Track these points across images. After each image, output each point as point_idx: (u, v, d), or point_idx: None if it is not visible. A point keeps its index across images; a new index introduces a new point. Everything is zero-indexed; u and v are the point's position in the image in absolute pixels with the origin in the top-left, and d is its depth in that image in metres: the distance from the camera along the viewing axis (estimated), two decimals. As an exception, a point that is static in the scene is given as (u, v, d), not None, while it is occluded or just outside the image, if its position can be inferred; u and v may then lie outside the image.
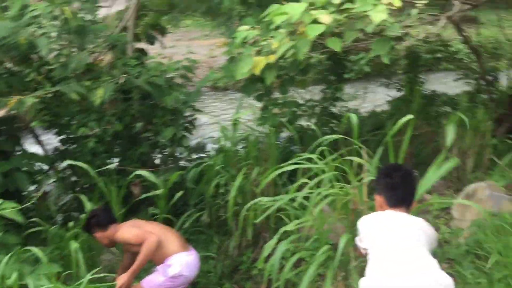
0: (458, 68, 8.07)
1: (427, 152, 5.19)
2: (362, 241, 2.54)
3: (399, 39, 7.19)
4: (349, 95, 8.67)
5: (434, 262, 2.27)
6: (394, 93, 7.07)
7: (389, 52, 7.74)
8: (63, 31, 3.91)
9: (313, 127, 4.13)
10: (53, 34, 3.96)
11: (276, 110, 4.90)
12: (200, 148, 6.00)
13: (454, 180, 4.67)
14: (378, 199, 2.59)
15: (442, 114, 5.67)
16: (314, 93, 6.54)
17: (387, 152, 3.38)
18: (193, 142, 6.12)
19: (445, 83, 9.02)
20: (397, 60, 9.22)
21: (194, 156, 5.35)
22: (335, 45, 3.27)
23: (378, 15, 3.03)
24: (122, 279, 3.37)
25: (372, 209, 3.26)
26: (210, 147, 5.53)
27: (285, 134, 6.46)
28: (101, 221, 3.59)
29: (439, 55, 7.74)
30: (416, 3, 3.17)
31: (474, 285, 2.84)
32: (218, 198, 4.56)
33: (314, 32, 3.15)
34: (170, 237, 3.52)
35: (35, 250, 3.19)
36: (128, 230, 3.45)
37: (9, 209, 3.27)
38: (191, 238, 4.70)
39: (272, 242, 2.94)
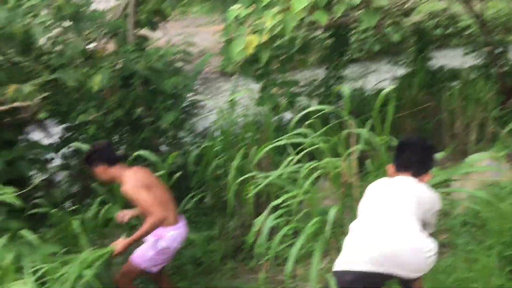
0: (467, 43, 7.92)
1: (430, 127, 5.13)
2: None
3: (405, 15, 7.09)
4: (357, 74, 8.60)
5: (415, 228, 2.24)
6: (403, 71, 6.99)
7: (398, 29, 7.61)
8: (57, 19, 3.96)
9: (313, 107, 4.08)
10: (49, 22, 4.05)
11: (275, 90, 4.89)
12: (206, 133, 6.04)
13: (458, 153, 4.61)
14: (390, 168, 2.58)
15: (446, 88, 5.58)
16: (318, 73, 6.51)
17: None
18: (200, 127, 6.17)
19: (456, 59, 8.86)
20: (407, 38, 9.08)
21: (199, 140, 5.39)
22: (321, 18, 3.25)
23: (362, -15, 3.00)
24: (119, 245, 3.31)
25: (363, 181, 3.26)
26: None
27: (290, 115, 6.47)
28: (107, 155, 3.38)
29: (448, 30, 7.59)
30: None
31: (465, 252, 2.80)
32: (219, 179, 4.60)
33: (299, 5, 3.13)
34: (169, 207, 3.46)
35: (26, 233, 3.23)
36: (137, 189, 3.28)
37: (9, 194, 3.36)
38: (194, 220, 4.76)
39: (261, 218, 2.96)
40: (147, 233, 3.37)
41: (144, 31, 5.64)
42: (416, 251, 2.17)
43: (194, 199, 4.58)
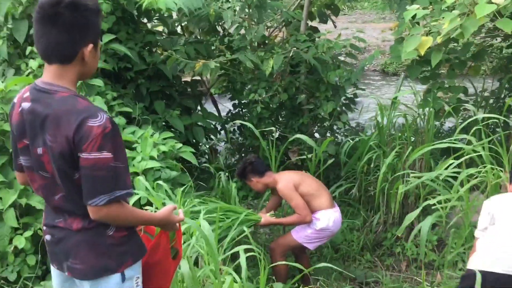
0: None
1: None
2: (481, 223, 2.54)
3: None
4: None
5: None
6: None
7: None
8: (245, 5, 4.40)
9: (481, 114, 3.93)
10: (237, 8, 4.51)
11: (440, 95, 4.80)
12: (360, 129, 6.14)
13: None
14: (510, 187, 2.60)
15: None
16: (490, 83, 6.15)
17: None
18: (354, 122, 6.29)
19: None
20: None
21: (352, 134, 5.52)
22: (506, 26, 3.14)
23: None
24: (267, 220, 3.70)
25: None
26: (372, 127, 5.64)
27: (450, 124, 6.24)
28: (257, 168, 3.81)
29: None
30: None
31: None
32: (369, 173, 4.70)
33: (482, 11, 3.06)
34: (321, 193, 3.78)
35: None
36: (291, 190, 3.66)
37: (187, 152, 3.89)
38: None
39: (414, 214, 3.01)
40: (291, 225, 3.82)
41: (315, 23, 5.91)
42: None
43: (342, 189, 4.75)
